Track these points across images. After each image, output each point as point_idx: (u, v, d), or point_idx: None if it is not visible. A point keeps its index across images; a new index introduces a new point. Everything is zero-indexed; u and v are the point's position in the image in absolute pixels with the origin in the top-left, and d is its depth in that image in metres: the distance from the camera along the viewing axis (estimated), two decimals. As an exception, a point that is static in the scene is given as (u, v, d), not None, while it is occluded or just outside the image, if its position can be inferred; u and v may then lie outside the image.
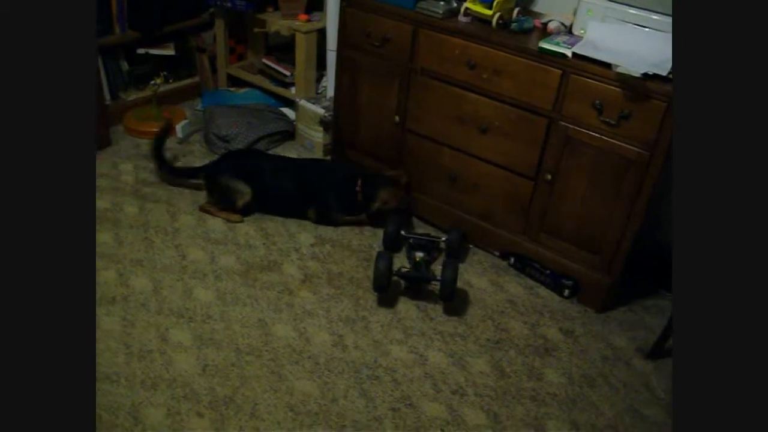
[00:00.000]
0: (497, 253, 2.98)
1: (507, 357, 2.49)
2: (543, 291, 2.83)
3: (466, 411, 2.26)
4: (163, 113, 3.73)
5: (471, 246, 3.03)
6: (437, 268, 2.78)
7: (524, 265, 2.89)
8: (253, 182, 3.04)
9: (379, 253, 2.59)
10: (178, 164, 3.42)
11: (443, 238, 2.93)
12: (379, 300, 2.67)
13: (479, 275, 2.88)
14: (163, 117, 3.70)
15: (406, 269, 2.76)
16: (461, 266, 2.88)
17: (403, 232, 2.95)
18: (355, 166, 3.22)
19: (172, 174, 3.25)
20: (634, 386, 2.43)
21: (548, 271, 2.82)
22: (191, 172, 3.24)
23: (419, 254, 2.79)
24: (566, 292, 2.78)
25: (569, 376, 2.44)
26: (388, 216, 3.00)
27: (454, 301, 2.67)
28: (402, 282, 2.76)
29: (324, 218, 3.09)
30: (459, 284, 2.74)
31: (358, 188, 3.03)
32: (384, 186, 3.03)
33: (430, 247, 2.90)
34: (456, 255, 2.89)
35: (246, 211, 3.08)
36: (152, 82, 3.67)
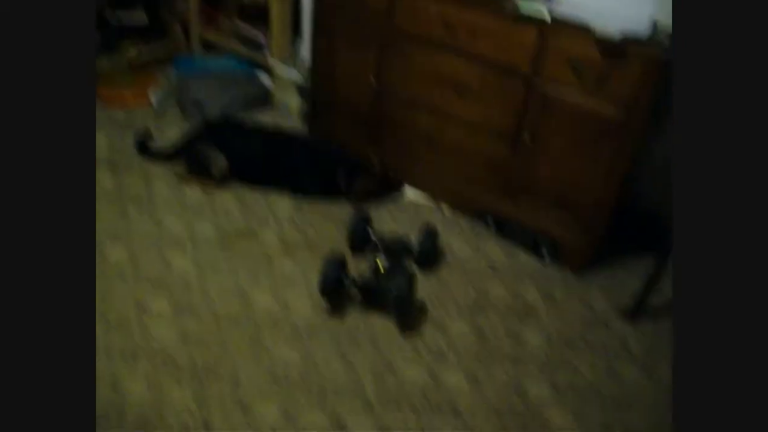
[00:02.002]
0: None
1: (487, 320, 2.50)
2: (523, 254, 2.84)
3: (446, 374, 2.26)
4: (137, 80, 3.66)
5: (444, 252, 2.81)
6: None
7: (504, 228, 2.88)
8: (230, 152, 3.00)
9: (328, 259, 2.39)
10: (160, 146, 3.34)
11: (414, 241, 2.69)
12: (359, 266, 2.66)
13: (459, 239, 2.88)
14: (136, 83, 3.63)
15: (360, 276, 2.47)
16: (425, 279, 2.60)
17: (370, 230, 2.72)
18: (336, 150, 3.13)
19: (161, 159, 3.18)
20: (613, 347, 2.45)
21: (528, 234, 2.81)
22: (174, 151, 3.16)
23: (381, 258, 2.53)
24: (546, 255, 2.79)
25: (549, 338, 2.46)
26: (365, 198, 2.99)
27: (435, 267, 2.68)
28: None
29: (300, 194, 3.05)
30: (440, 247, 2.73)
31: (340, 179, 3.00)
32: (361, 176, 3.01)
33: (399, 249, 2.64)
34: (427, 261, 2.67)
35: (223, 180, 3.04)
36: (125, 49, 3.59)
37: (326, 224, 2.88)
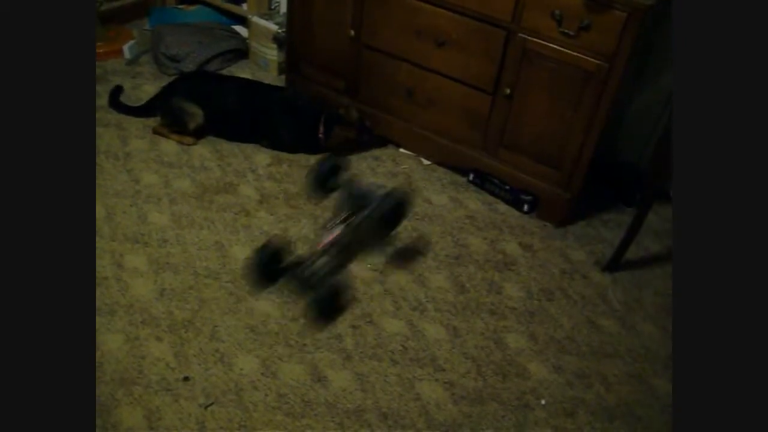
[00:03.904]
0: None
1: (466, 272, 2.50)
2: (502, 206, 2.83)
3: (426, 326, 2.27)
4: (109, 33, 3.57)
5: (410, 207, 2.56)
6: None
7: (483, 180, 2.87)
8: (207, 105, 2.95)
9: (265, 244, 2.27)
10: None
11: (374, 203, 2.33)
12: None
13: (438, 192, 2.87)
14: (108, 37, 3.54)
15: (294, 262, 2.30)
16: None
17: (335, 179, 2.47)
18: (314, 102, 3.06)
19: (134, 114, 3.11)
20: (591, 299, 2.46)
21: (507, 187, 2.81)
22: (150, 106, 3.09)
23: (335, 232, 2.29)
24: (525, 207, 2.79)
25: (528, 290, 2.47)
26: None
27: (411, 220, 2.66)
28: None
29: (278, 148, 3.02)
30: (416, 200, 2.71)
31: (321, 132, 2.95)
32: (337, 124, 2.95)
33: (359, 207, 2.35)
34: (384, 226, 2.39)
35: (199, 134, 2.99)
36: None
37: (304, 176, 2.85)
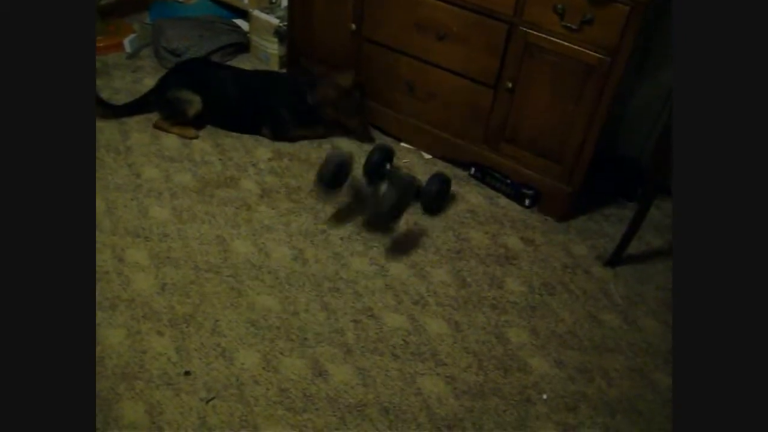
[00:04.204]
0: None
1: (468, 267, 2.50)
2: (504, 201, 2.83)
3: (427, 320, 2.27)
4: (109, 27, 3.56)
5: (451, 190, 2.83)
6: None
7: (485, 175, 2.87)
8: (203, 91, 2.93)
9: (332, 152, 2.54)
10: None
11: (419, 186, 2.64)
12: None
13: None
14: (109, 31, 3.53)
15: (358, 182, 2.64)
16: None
17: (388, 166, 2.75)
18: (305, 75, 3.08)
19: (126, 114, 3.05)
20: (593, 293, 2.46)
21: (509, 181, 2.80)
22: (143, 102, 3.05)
23: (384, 187, 2.50)
24: (527, 202, 2.78)
25: (529, 284, 2.46)
26: (339, 117, 2.97)
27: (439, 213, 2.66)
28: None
29: (279, 135, 3.01)
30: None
31: (309, 100, 2.95)
32: (322, 83, 2.94)
33: (406, 187, 2.56)
34: (430, 208, 2.70)
35: (200, 124, 2.98)
36: (96, -7, 3.48)
37: (306, 171, 2.85)
